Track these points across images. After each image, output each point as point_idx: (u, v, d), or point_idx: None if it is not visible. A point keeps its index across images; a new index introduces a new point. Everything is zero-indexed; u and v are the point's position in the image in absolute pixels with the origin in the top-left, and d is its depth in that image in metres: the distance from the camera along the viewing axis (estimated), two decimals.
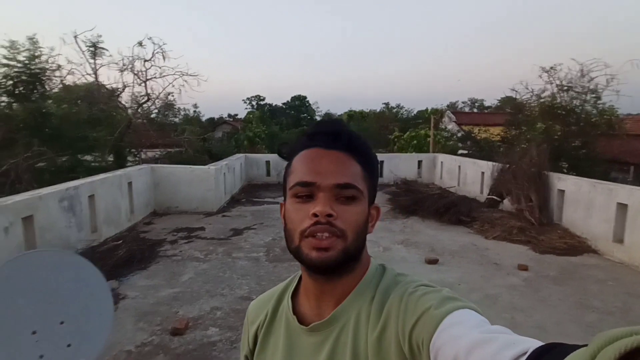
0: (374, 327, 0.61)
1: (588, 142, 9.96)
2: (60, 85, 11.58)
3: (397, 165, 12.00)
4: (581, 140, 10.05)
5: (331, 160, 0.63)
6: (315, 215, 0.60)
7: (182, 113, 18.34)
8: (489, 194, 8.06)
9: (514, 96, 11.81)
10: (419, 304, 0.57)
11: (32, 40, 10.13)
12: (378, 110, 35.58)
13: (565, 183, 6.46)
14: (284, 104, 41.35)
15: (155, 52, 11.72)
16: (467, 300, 0.56)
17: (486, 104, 39.71)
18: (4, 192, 7.04)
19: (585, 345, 0.30)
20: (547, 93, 10.56)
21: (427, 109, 26.74)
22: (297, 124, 35.40)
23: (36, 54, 10.15)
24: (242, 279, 4.61)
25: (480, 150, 13.51)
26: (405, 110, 37.79)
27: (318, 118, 40.81)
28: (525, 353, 0.38)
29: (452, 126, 22.59)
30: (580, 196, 6.04)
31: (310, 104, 41.63)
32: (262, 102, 41.39)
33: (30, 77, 10.11)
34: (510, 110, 12.68)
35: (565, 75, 10.05)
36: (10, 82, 9.89)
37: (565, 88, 10.15)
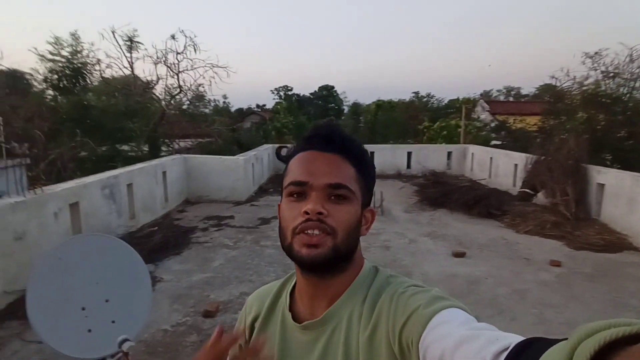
0: (365, 327, 0.62)
1: (636, 133, 9.35)
2: (100, 79, 12.14)
3: (426, 157, 11.82)
4: (627, 130, 9.45)
5: (325, 162, 0.64)
6: (306, 212, 0.61)
7: (212, 104, 18.78)
8: (521, 187, 7.82)
9: (553, 84, 11.30)
10: (408, 304, 0.58)
11: (75, 36, 10.66)
12: (407, 99, 34.92)
13: (605, 176, 6.16)
14: (311, 94, 41.30)
15: (187, 44, 12.05)
16: (455, 300, 0.58)
17: (523, 92, 38.09)
18: (50, 180, 7.54)
19: (566, 339, 0.31)
20: (590, 80, 10.01)
21: (458, 98, 26.00)
22: (325, 114, 35.36)
23: (78, 49, 10.68)
24: (269, 267, 4.76)
25: (515, 141, 13.05)
26: (436, 99, 36.89)
27: (346, 108, 40.55)
28: (508, 348, 0.39)
29: (485, 116, 21.88)
30: (622, 190, 5.75)
31: (337, 94, 41.41)
32: (289, 93, 41.56)
33: (73, 72, 10.67)
34: (549, 98, 12.14)
35: (611, 61, 9.44)
36: (56, 76, 10.46)
37: (612, 75, 9.55)
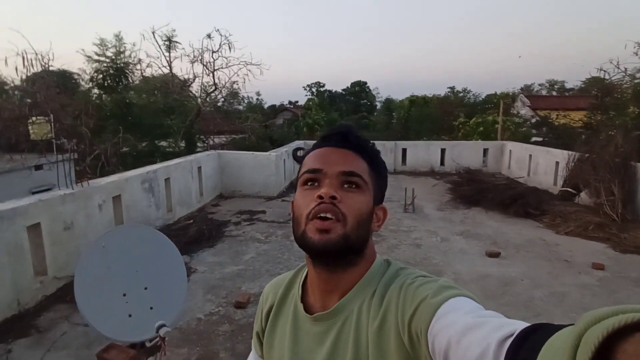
0: (374, 319, 0.63)
1: None
2: (141, 77, 12.70)
3: (460, 154, 11.50)
4: None
5: (339, 155, 0.67)
6: (320, 197, 0.63)
7: (246, 101, 19.16)
8: (563, 186, 7.45)
9: (601, 77, 10.62)
10: (416, 294, 0.58)
11: (118, 37, 11.21)
12: (442, 95, 33.97)
13: None
14: (343, 90, 41.12)
15: (222, 43, 12.35)
16: (463, 289, 0.57)
17: (568, 86, 36.02)
18: (95, 174, 8.02)
19: (572, 324, 0.31)
20: None
21: (495, 93, 25.01)
22: (357, 110, 35.10)
23: (121, 49, 11.22)
24: (299, 261, 4.81)
25: (557, 137, 12.42)
26: (473, 94, 35.66)
27: (378, 104, 40.05)
28: (513, 334, 0.39)
29: (525, 111, 20.95)
30: None
31: (370, 90, 40.98)
32: (321, 89, 41.59)
33: (116, 71, 11.24)
34: (596, 92, 11.44)
35: None
36: (100, 75, 11.05)
37: None
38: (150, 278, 2.70)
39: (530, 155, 9.57)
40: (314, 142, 0.77)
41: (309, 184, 0.67)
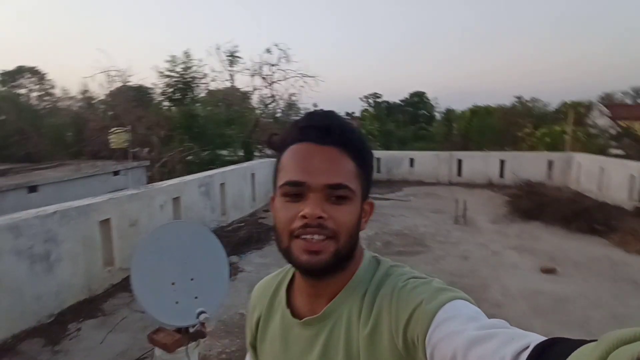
0: (365, 324, 0.60)
1: None
2: (206, 90, 13.72)
3: (521, 165, 10.82)
4: None
5: (323, 159, 0.60)
6: (304, 217, 0.58)
7: (303, 112, 19.67)
8: (638, 201, 6.72)
9: None
10: (410, 298, 0.56)
11: (186, 54, 12.26)
12: (508, 104, 32.13)
13: None
14: (402, 100, 40.62)
15: (280, 57, 12.95)
16: (458, 290, 0.56)
17: None
18: (163, 179, 8.81)
19: (593, 340, 0.30)
20: None
21: (567, 103, 23.13)
22: (415, 120, 34.43)
23: (189, 65, 12.25)
24: None
25: None
26: (543, 104, 33.26)
27: (438, 115, 38.93)
28: (527, 348, 0.37)
29: (604, 121, 19.13)
30: None
31: (428, 100, 40.01)
32: (378, 99, 41.47)
33: (184, 85, 12.27)
34: None
35: None
36: (171, 89, 12.15)
37: None
38: (197, 270, 2.96)
39: (602, 168, 8.74)
40: (274, 133, 0.71)
41: (290, 195, 0.60)
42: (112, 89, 10.55)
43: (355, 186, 0.61)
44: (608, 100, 29.00)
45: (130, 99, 11.07)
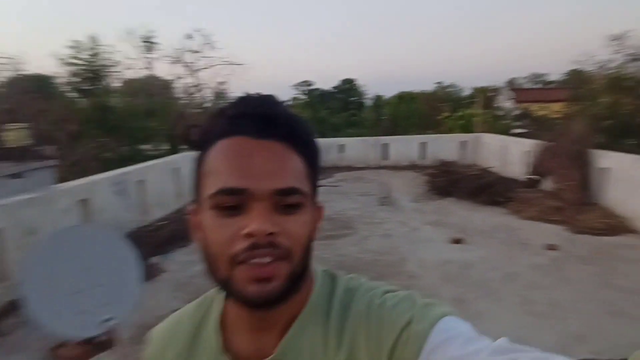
0: (336, 353, 0.49)
1: None
2: (121, 80, 12.71)
3: (440, 147, 11.70)
4: None
5: (266, 157, 0.46)
6: (250, 235, 0.44)
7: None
8: (528, 174, 7.67)
9: (578, 68, 10.96)
10: (393, 318, 0.48)
11: (92, 38, 11.20)
12: (430, 90, 34.25)
13: (609, 161, 6.02)
14: (334, 87, 41.22)
15: (203, 43, 12.39)
16: (443, 303, 0.50)
17: (551, 79, 36.51)
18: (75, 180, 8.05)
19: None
20: (615, 64, 9.66)
21: (480, 87, 25.32)
22: (346, 107, 35.25)
23: (96, 51, 11.22)
24: None
25: (538, 129, 12.72)
26: (459, 89, 35.98)
27: (368, 101, 40.22)
28: None
29: (510, 104, 21.29)
30: (623, 174, 5.64)
31: (358, 87, 41.13)
32: (310, 87, 41.67)
33: (93, 74, 11.24)
34: (573, 84, 11.75)
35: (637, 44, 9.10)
36: (77, 79, 11.06)
37: (638, 57, 9.20)
38: (105, 276, 2.80)
39: (505, 146, 9.78)
40: (194, 124, 0.56)
41: (225, 208, 0.46)
42: (2, 79, 9.28)
43: (307, 188, 0.49)
44: (512, 85, 32.26)
45: (28, 90, 9.85)
